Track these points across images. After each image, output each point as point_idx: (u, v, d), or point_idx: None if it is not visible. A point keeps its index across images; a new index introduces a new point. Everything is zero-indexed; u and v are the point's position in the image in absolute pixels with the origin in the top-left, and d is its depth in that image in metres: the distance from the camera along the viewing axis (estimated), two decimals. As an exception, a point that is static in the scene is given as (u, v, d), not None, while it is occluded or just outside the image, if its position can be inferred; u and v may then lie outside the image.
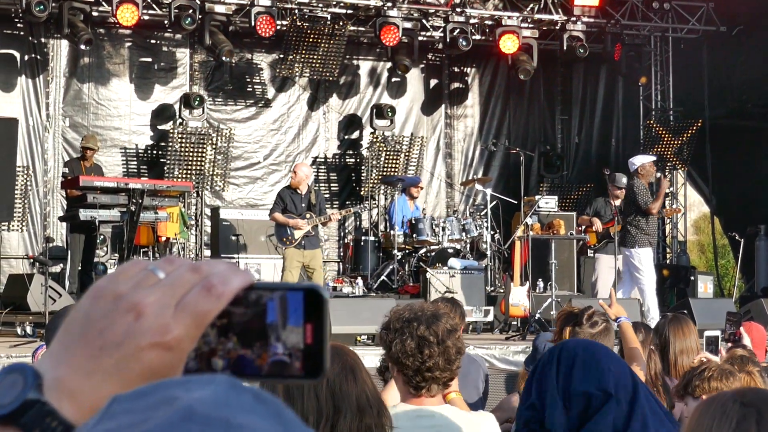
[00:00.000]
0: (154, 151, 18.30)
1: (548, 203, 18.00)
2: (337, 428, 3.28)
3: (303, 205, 15.05)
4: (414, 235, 15.77)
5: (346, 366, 3.82)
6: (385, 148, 18.91)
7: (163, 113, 18.39)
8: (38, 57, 17.62)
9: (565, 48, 19.42)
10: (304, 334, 1.08)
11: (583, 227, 16.15)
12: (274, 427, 0.96)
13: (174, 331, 1.04)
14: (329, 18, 18.33)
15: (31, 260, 15.82)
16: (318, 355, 1.08)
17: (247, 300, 1.08)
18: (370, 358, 11.60)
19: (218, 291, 1.06)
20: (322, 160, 19.32)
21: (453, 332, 4.08)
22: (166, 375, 1.05)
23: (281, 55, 18.16)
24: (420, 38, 19.17)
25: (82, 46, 16.79)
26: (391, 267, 15.82)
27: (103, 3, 17.09)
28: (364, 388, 3.84)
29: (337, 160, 19.55)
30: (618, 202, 15.65)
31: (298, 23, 17.89)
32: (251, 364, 1.08)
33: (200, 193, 18.12)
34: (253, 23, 17.43)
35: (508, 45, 18.92)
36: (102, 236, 15.97)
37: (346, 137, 19.64)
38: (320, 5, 18.40)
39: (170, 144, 17.68)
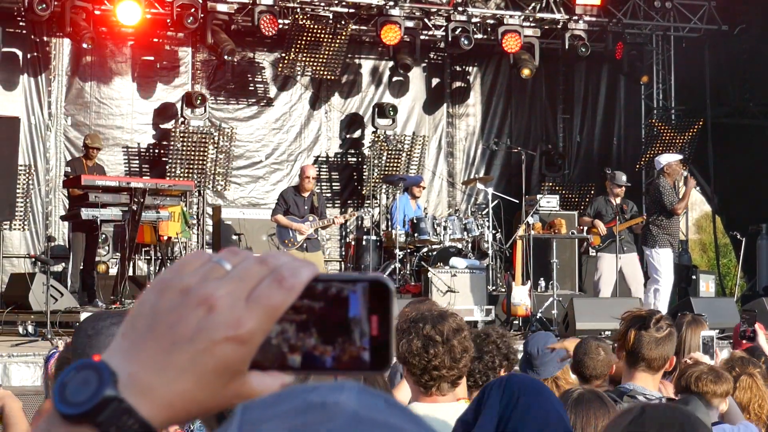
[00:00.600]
0: (156, 150, 18.31)
1: (549, 202, 17.99)
2: None
3: (306, 207, 15.07)
4: (415, 235, 15.77)
5: None
6: (386, 147, 18.91)
7: (165, 112, 18.39)
8: (40, 55, 17.62)
9: (566, 47, 19.42)
10: (369, 325, 1.07)
11: (585, 228, 16.08)
12: (418, 429, 0.96)
13: (248, 325, 1.02)
14: (331, 17, 18.33)
15: (33, 259, 15.83)
16: (385, 347, 1.06)
17: (327, 293, 1.06)
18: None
19: (289, 283, 1.03)
20: (324, 159, 19.32)
21: (459, 331, 4.13)
22: (237, 369, 1.03)
23: (283, 54, 18.15)
24: (422, 37, 19.17)
25: (84, 45, 16.79)
26: (392, 266, 15.82)
27: (105, 2, 17.08)
28: (375, 386, 3.87)
29: (339, 159, 19.56)
30: (618, 201, 15.63)
31: (300, 22, 17.89)
32: (330, 358, 1.06)
33: (202, 192, 18.13)
34: (256, 22, 17.43)
35: (511, 44, 18.90)
36: (104, 235, 15.98)
37: (348, 136, 19.65)
38: (322, 4, 18.40)
39: (172, 143, 17.69)
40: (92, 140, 15.48)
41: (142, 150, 18.25)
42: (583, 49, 19.28)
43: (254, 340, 1.03)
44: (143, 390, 1.02)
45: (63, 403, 1.00)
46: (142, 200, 13.42)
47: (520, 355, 9.39)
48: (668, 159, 15.19)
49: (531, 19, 19.44)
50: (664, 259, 14.85)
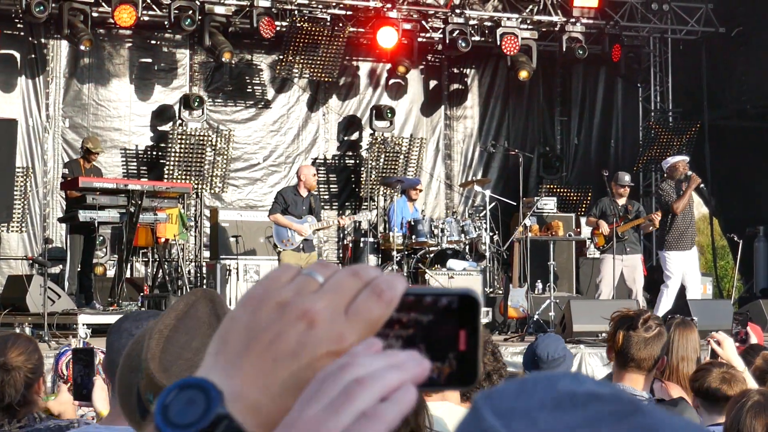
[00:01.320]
0: (154, 152, 18.31)
1: (547, 204, 18.00)
2: None
3: (304, 207, 15.08)
4: (413, 237, 15.78)
5: None
6: (384, 150, 18.92)
7: (162, 114, 18.39)
8: (38, 57, 17.63)
9: (564, 49, 19.43)
10: (458, 339, 1.05)
11: (590, 229, 16.03)
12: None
13: (350, 339, 1.01)
14: (329, 19, 18.34)
15: (30, 261, 15.83)
16: (473, 361, 1.05)
17: (436, 307, 1.04)
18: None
19: (388, 296, 1.02)
20: (322, 161, 19.32)
21: None
22: None
23: (281, 56, 18.17)
24: (419, 39, 19.18)
25: (82, 47, 16.79)
26: (390, 268, 15.83)
27: (103, 3, 17.09)
28: None
29: (337, 162, 19.56)
30: (622, 201, 15.61)
31: (298, 24, 17.90)
32: (433, 374, 1.04)
33: (199, 194, 18.13)
34: (255, 24, 17.45)
35: (509, 46, 18.91)
36: (101, 237, 15.97)
37: (346, 138, 19.65)
38: (320, 6, 18.42)
39: (170, 145, 17.70)
40: (95, 144, 15.43)
41: (139, 152, 18.25)
42: (581, 52, 19.30)
43: None
44: (250, 408, 1.00)
45: (170, 425, 0.98)
46: (139, 202, 13.42)
47: (521, 357, 9.32)
48: (672, 160, 15.25)
49: (528, 22, 19.46)
50: (669, 262, 14.86)
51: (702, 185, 15.02)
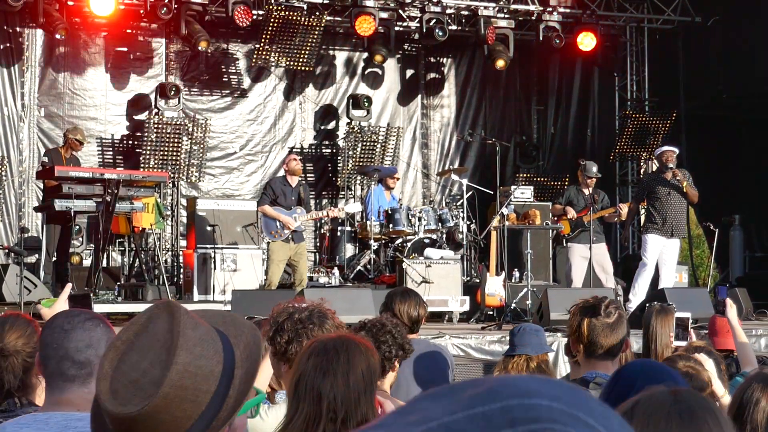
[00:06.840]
0: (130, 142, 18.24)
1: (524, 193, 18.01)
2: None
3: (293, 198, 15.03)
4: (390, 225, 15.79)
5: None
6: (361, 139, 18.91)
7: (138, 103, 18.33)
8: (13, 46, 17.52)
9: (541, 38, 19.45)
10: None
11: (556, 216, 16.11)
12: None
13: None
14: (305, 8, 18.29)
15: (6, 251, 15.76)
16: None
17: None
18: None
19: None
20: (299, 150, 19.29)
21: (294, 339, 4.36)
22: None
23: (257, 45, 18.12)
24: (396, 28, 19.16)
25: (58, 36, 16.71)
26: (367, 257, 15.83)
27: (79, -8, 17.02)
28: None
29: (314, 151, 19.54)
30: (588, 191, 15.66)
31: (275, 13, 17.85)
32: None
33: (176, 183, 18.09)
34: (230, 13, 17.38)
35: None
36: (77, 226, 15.91)
37: (323, 127, 19.63)
38: (296, -5, 18.37)
39: (146, 134, 17.64)
40: (82, 136, 15.41)
41: (115, 141, 18.19)
42: (558, 41, 19.32)
43: None
44: None
45: None
46: (115, 191, 13.37)
47: (498, 346, 9.37)
48: (662, 148, 15.45)
49: (505, 11, 19.46)
50: (645, 243, 14.95)
51: (678, 178, 15.07)
